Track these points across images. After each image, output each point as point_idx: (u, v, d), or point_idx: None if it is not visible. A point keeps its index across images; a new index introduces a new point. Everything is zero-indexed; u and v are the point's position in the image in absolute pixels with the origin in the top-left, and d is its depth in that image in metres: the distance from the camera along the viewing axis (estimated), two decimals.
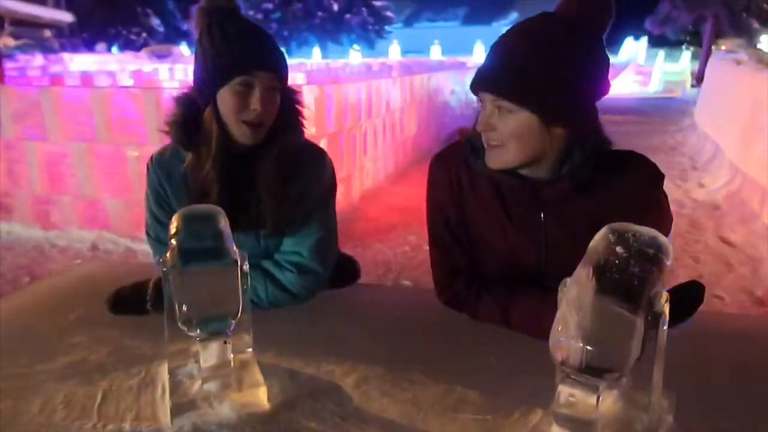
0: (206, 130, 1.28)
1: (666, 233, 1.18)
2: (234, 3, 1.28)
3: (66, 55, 14.12)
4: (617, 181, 1.16)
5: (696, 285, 1.09)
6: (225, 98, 1.25)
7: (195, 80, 1.29)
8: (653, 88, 18.30)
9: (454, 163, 1.25)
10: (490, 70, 1.09)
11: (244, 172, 1.31)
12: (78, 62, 13.22)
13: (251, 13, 25.03)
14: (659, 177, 1.19)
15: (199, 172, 1.29)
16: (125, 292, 1.30)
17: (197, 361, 0.99)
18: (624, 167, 1.18)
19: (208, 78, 1.25)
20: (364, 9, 26.25)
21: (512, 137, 1.09)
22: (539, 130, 1.08)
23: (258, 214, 1.29)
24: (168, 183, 1.36)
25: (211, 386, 0.96)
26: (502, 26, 32.96)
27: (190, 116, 1.29)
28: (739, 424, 0.91)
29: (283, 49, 1.31)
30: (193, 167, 1.30)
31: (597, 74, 1.09)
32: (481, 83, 1.11)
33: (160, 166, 1.37)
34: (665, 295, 0.76)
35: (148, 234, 1.43)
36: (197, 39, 1.29)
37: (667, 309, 0.76)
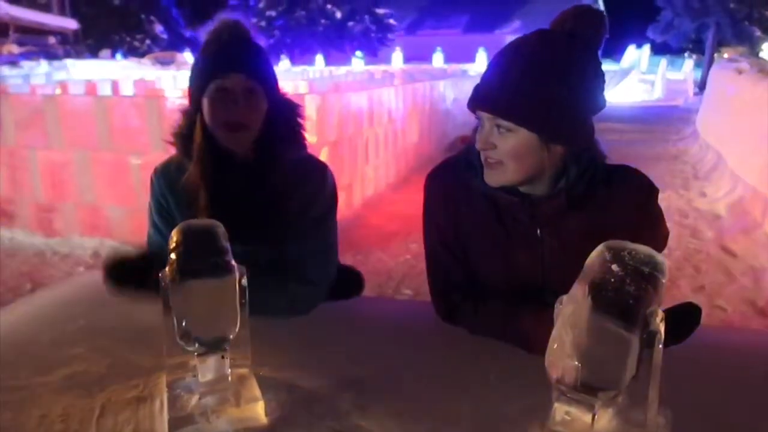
0: (194, 138, 1.31)
1: (662, 246, 1.19)
2: (240, 26, 1.30)
3: (70, 62, 14.18)
4: (612, 195, 1.16)
5: (692, 307, 1.08)
6: (205, 105, 1.28)
7: (189, 93, 1.34)
8: (656, 95, 18.32)
9: (448, 180, 1.25)
10: (488, 88, 1.09)
11: (242, 184, 1.31)
12: (82, 69, 13.27)
13: (254, 20, 25.15)
14: (653, 190, 1.20)
15: (187, 179, 1.31)
16: (129, 260, 1.32)
17: (195, 375, 0.99)
18: (619, 181, 1.18)
19: (193, 88, 1.31)
20: (366, 17, 26.32)
21: (511, 156, 1.09)
22: (538, 148, 1.09)
23: (256, 228, 1.30)
24: (171, 194, 1.37)
25: (209, 401, 0.97)
26: (504, 34, 32.99)
27: (192, 129, 1.31)
28: None
29: (262, 52, 1.33)
30: (189, 188, 1.32)
31: (594, 90, 1.09)
32: (480, 102, 1.11)
33: (164, 177, 1.38)
34: (661, 314, 0.77)
35: (148, 244, 1.43)
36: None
37: (662, 327, 0.76)
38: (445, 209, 1.25)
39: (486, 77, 1.10)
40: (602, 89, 1.10)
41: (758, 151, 5.41)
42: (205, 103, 1.28)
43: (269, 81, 1.32)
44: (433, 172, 1.29)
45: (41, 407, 1.00)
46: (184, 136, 1.33)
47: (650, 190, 1.19)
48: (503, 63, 1.09)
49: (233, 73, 1.26)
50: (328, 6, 25.54)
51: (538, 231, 1.17)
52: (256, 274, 1.00)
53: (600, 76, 1.10)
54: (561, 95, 1.05)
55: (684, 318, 1.06)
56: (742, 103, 6.75)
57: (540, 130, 1.07)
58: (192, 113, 1.32)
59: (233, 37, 1.29)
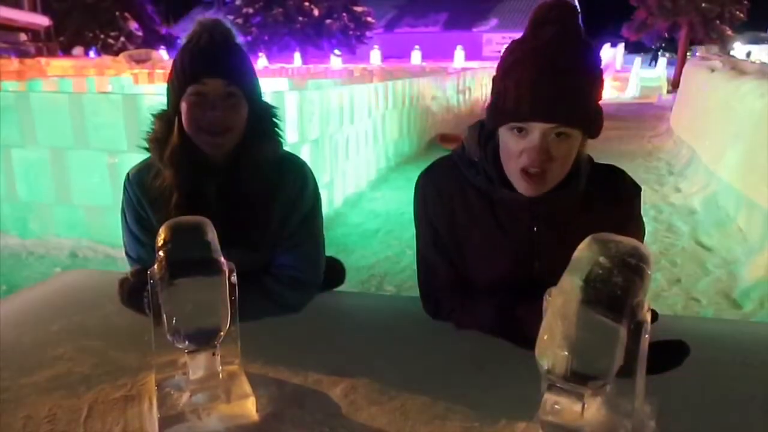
0: (170, 141, 1.28)
1: (641, 241, 1.23)
2: (220, 25, 1.27)
3: (43, 60, 13.90)
4: (604, 193, 1.19)
5: (679, 345, 1.07)
6: (183, 109, 1.25)
7: (167, 96, 1.31)
8: (630, 93, 18.58)
9: (443, 179, 1.25)
10: (545, 99, 1.03)
11: (220, 188, 1.29)
12: (55, 67, 13.02)
13: (231, 17, 24.91)
14: (639, 190, 1.25)
15: (161, 184, 1.29)
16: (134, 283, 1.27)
17: (185, 373, 0.99)
18: (609, 180, 1.22)
19: (171, 91, 1.28)
20: (344, 14, 26.25)
21: (565, 162, 1.09)
22: (576, 148, 1.10)
23: (238, 232, 1.24)
24: (147, 201, 1.32)
25: (200, 398, 0.96)
26: (482, 32, 33.21)
27: (170, 133, 1.28)
28: (720, 428, 0.93)
29: (242, 54, 1.30)
30: (155, 178, 1.30)
31: (602, 74, 1.12)
32: (547, 115, 1.04)
33: (138, 184, 1.34)
34: (647, 304, 0.78)
35: (128, 255, 1.40)
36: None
37: (649, 317, 0.78)
38: (440, 208, 1.24)
39: (543, 90, 1.04)
40: None
41: (731, 148, 5.53)
42: (183, 106, 1.25)
43: (250, 84, 1.29)
44: (427, 172, 1.28)
45: (26, 408, 0.99)
46: (159, 141, 1.29)
47: (637, 189, 1.24)
48: (552, 71, 1.04)
49: (212, 77, 1.23)
50: (306, 3, 25.41)
51: (535, 228, 1.18)
52: (244, 280, 0.99)
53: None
54: (596, 93, 1.09)
55: (668, 353, 1.03)
56: (715, 101, 6.89)
57: (591, 130, 1.10)
58: (169, 117, 1.29)
59: (212, 39, 1.25)
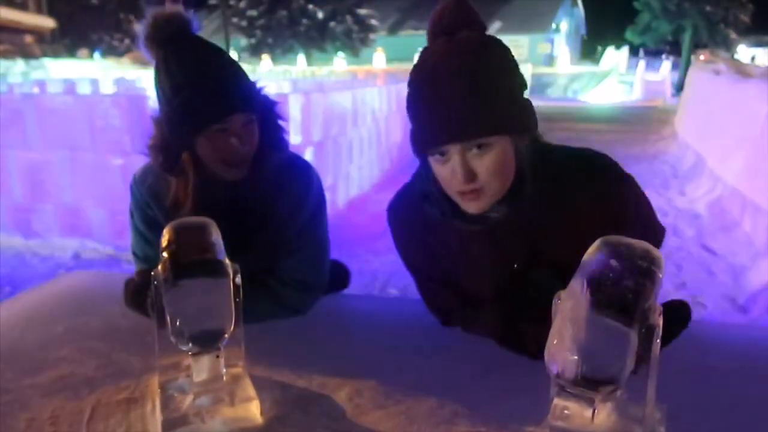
0: (185, 172, 1.24)
1: (652, 242, 1.16)
2: (184, 22, 1.22)
3: (48, 61, 13.95)
4: (575, 187, 1.06)
5: (681, 304, 1.06)
6: (202, 143, 1.21)
7: (166, 120, 1.22)
8: (634, 96, 18.55)
9: (408, 214, 1.21)
10: (454, 118, 0.97)
11: (228, 196, 1.27)
12: (60, 68, 13.06)
13: (235, 20, 24.97)
14: (620, 177, 1.09)
15: (178, 209, 1.26)
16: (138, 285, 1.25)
17: (189, 375, 0.98)
18: (579, 170, 1.08)
19: (181, 125, 1.20)
20: (348, 17, 26.30)
21: (496, 174, 1.00)
22: (511, 151, 1.02)
23: (245, 237, 1.23)
24: (155, 202, 1.32)
25: (203, 401, 0.95)
26: None
27: (169, 141, 1.24)
28: None
29: (241, 69, 1.25)
30: (173, 202, 1.27)
31: (518, 67, 1.04)
32: (450, 134, 0.98)
33: (145, 185, 1.33)
34: (659, 309, 0.77)
35: (135, 254, 1.39)
36: (156, 70, 1.22)
37: (660, 322, 0.77)
38: (414, 243, 1.22)
39: (442, 112, 0.98)
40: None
41: (736, 151, 5.51)
42: (201, 142, 1.20)
43: (257, 99, 1.26)
44: (392, 207, 1.25)
45: (29, 410, 0.98)
46: (158, 148, 1.25)
47: (615, 176, 1.09)
48: (443, 88, 0.98)
49: (235, 114, 1.19)
50: (310, 6, 25.47)
51: (503, 249, 1.12)
52: (252, 284, 0.98)
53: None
54: (504, 88, 1.00)
55: (673, 315, 1.02)
56: (720, 104, 6.87)
57: (514, 128, 1.01)
58: (178, 146, 1.23)
59: (206, 57, 1.20)
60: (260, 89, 1.29)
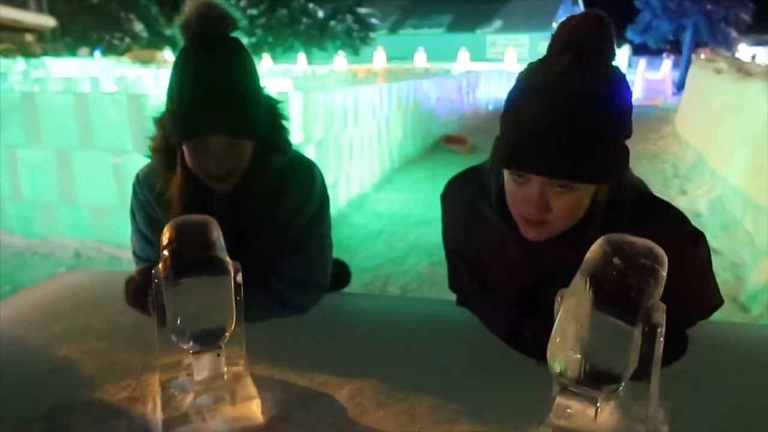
0: (171, 157, 1.21)
1: (702, 311, 1.11)
2: (221, 20, 1.14)
3: (48, 60, 13.93)
4: (635, 233, 0.88)
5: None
6: (186, 151, 1.17)
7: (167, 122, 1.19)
8: (635, 95, 18.52)
9: (458, 199, 1.22)
10: (541, 148, 0.90)
11: (228, 198, 1.25)
12: (60, 67, 13.05)
13: None
14: (688, 238, 1.03)
15: (167, 190, 1.24)
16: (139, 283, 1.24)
17: (190, 374, 0.98)
18: (647, 222, 0.99)
19: (171, 131, 1.17)
20: (348, 16, 26.29)
21: (567, 213, 0.96)
22: (590, 194, 0.97)
23: (247, 238, 1.21)
24: (158, 203, 1.30)
25: (204, 400, 0.95)
26: (486, 33, 33.18)
27: (170, 144, 1.21)
28: None
29: (248, 82, 1.17)
30: (170, 198, 1.25)
31: (630, 117, 0.97)
32: (547, 169, 0.91)
33: (148, 185, 1.31)
34: (662, 307, 0.77)
35: (136, 255, 1.38)
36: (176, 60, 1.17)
37: (663, 320, 0.76)
38: (457, 225, 1.24)
39: (544, 140, 0.90)
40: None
41: (737, 150, 5.50)
42: (186, 150, 1.16)
43: (255, 121, 1.17)
44: (448, 189, 1.25)
45: (29, 409, 0.97)
46: (160, 150, 1.23)
47: (683, 236, 1.03)
48: (556, 117, 0.90)
49: (213, 135, 1.13)
50: (310, 5, 25.45)
51: (541, 259, 1.07)
52: (253, 283, 0.98)
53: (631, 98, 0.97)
54: (615, 135, 0.95)
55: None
56: (721, 103, 6.86)
57: (603, 179, 0.95)
58: (170, 148, 1.21)
59: (209, 62, 1.11)
60: (259, 91, 1.21)
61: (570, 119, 0.89)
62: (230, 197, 1.25)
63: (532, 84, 0.95)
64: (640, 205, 1.03)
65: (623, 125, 0.95)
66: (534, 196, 0.94)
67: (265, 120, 1.22)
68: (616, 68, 0.95)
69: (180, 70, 1.14)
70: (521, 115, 0.94)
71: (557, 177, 0.92)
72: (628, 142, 0.99)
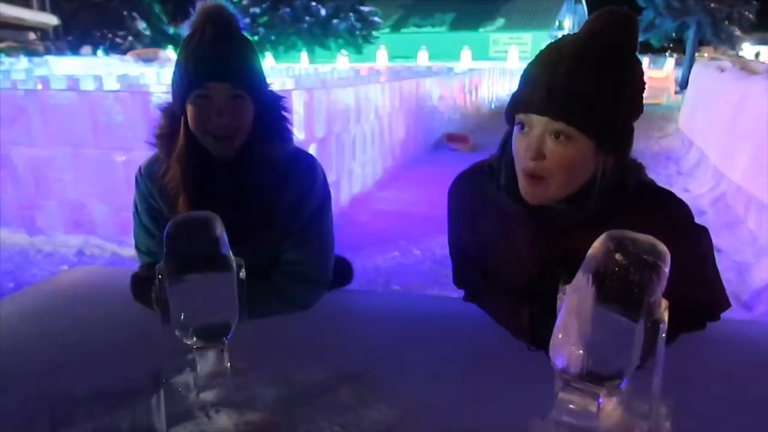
0: (177, 139, 1.25)
1: (711, 298, 1.13)
2: (223, 13, 1.22)
3: (51, 59, 13.96)
4: (635, 221, 0.88)
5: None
6: (189, 111, 1.22)
7: (172, 93, 1.27)
8: None
9: (466, 191, 1.24)
10: (550, 93, 0.96)
11: (228, 186, 1.27)
12: (63, 65, 13.07)
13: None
14: (690, 223, 1.07)
15: (168, 181, 1.27)
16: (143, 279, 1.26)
17: (193, 370, 0.98)
18: (647, 207, 1.05)
19: (176, 92, 1.24)
20: (351, 14, 26.25)
21: (564, 168, 0.99)
22: (591, 160, 1.00)
23: (246, 230, 1.22)
24: (159, 195, 1.32)
25: (208, 395, 0.95)
26: (489, 32, 33.13)
27: (176, 129, 1.25)
28: (734, 429, 0.92)
29: (248, 50, 1.24)
30: (164, 175, 1.28)
31: (642, 97, 1.03)
32: (541, 106, 0.97)
33: (150, 178, 1.33)
34: (664, 303, 0.77)
35: (137, 248, 1.39)
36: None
37: (666, 317, 0.76)
38: (463, 217, 1.26)
39: (547, 81, 0.97)
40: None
41: (740, 148, 5.49)
42: (188, 108, 1.22)
43: (256, 82, 1.25)
44: (455, 181, 1.27)
45: (31, 405, 0.98)
46: (166, 137, 1.27)
47: (685, 226, 1.06)
48: (566, 65, 0.96)
49: (215, 82, 1.19)
50: (313, 3, 25.43)
51: (540, 244, 1.11)
52: (254, 278, 0.98)
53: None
54: (625, 103, 0.99)
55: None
56: (724, 101, 6.83)
57: (604, 139, 0.98)
58: (175, 113, 1.26)
59: (216, 36, 1.19)
60: (262, 74, 1.28)
61: (577, 72, 0.95)
62: (231, 168, 1.27)
63: (552, 45, 1.02)
64: (641, 189, 1.06)
65: (631, 96, 0.99)
66: (533, 141, 0.99)
67: (266, 95, 1.28)
68: (637, 60, 1.01)
69: (186, 43, 1.21)
70: (532, 68, 1.01)
71: (551, 115, 0.97)
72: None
